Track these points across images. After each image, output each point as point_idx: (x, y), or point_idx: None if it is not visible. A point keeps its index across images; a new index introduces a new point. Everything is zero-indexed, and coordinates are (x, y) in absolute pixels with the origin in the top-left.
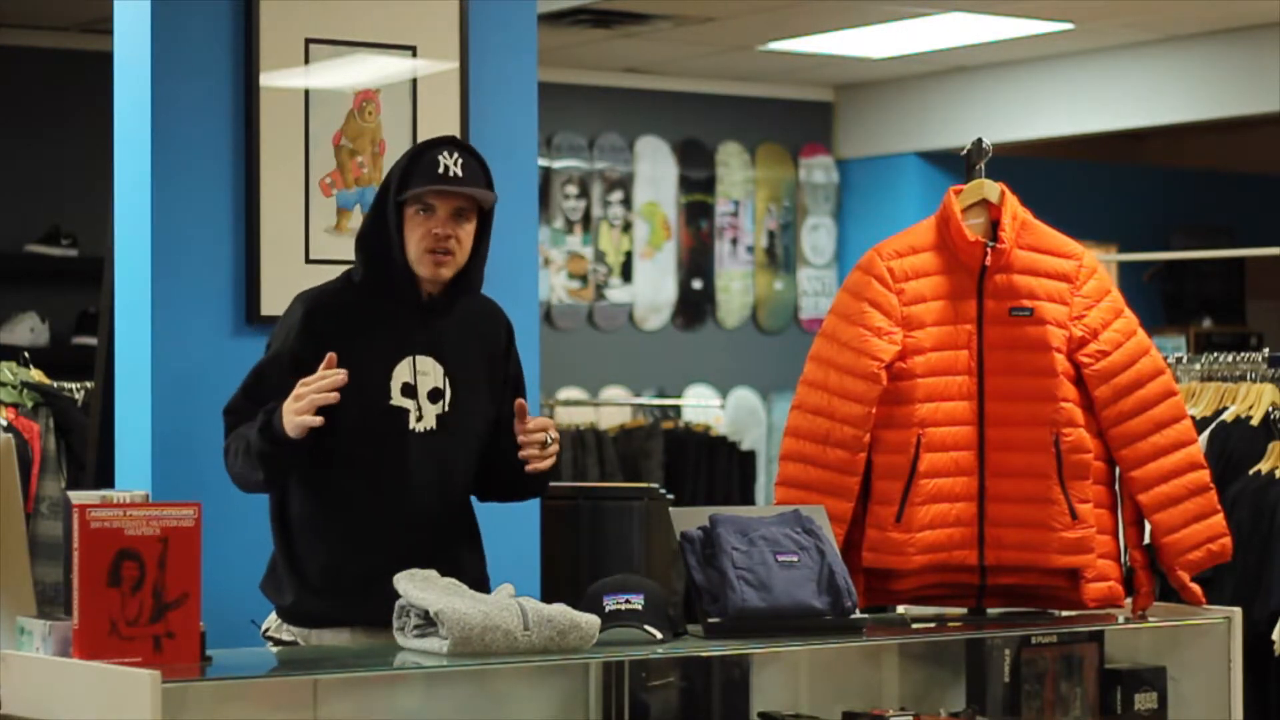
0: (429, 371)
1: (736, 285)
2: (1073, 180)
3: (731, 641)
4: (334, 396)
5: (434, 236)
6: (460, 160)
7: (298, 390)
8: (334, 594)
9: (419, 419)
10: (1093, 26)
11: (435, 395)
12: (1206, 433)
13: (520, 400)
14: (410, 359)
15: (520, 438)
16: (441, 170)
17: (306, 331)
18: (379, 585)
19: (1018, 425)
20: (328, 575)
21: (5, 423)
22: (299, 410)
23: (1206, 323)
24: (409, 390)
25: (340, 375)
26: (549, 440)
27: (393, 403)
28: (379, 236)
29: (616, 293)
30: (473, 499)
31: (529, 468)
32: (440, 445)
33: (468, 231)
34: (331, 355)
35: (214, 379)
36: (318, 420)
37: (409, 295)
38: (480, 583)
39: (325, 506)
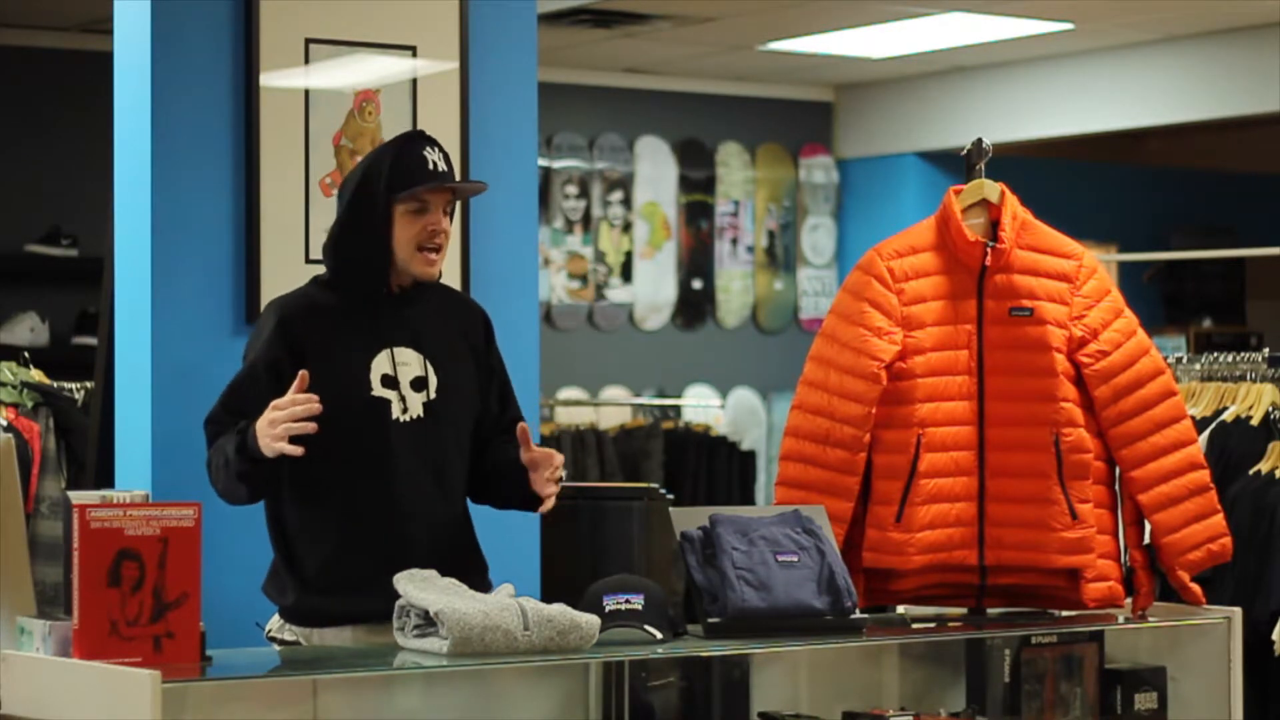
0: (409, 361)
1: (736, 285)
2: (1073, 180)
3: (731, 641)
4: (310, 427)
5: (429, 232)
6: (441, 155)
7: (271, 415)
8: (333, 591)
9: (403, 409)
10: (1093, 26)
11: (419, 384)
12: (1206, 433)
13: (522, 425)
14: (388, 350)
15: (532, 472)
16: (431, 167)
17: (282, 337)
18: (378, 579)
19: (1018, 425)
20: (326, 572)
21: (5, 423)
22: (275, 437)
23: (1206, 323)
24: (389, 381)
25: (313, 405)
26: (561, 476)
27: (374, 394)
28: (357, 236)
29: (616, 293)
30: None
31: (543, 508)
32: (428, 433)
33: (449, 225)
34: (303, 374)
35: (214, 379)
36: (295, 450)
37: (379, 289)
38: (482, 574)
39: (318, 504)
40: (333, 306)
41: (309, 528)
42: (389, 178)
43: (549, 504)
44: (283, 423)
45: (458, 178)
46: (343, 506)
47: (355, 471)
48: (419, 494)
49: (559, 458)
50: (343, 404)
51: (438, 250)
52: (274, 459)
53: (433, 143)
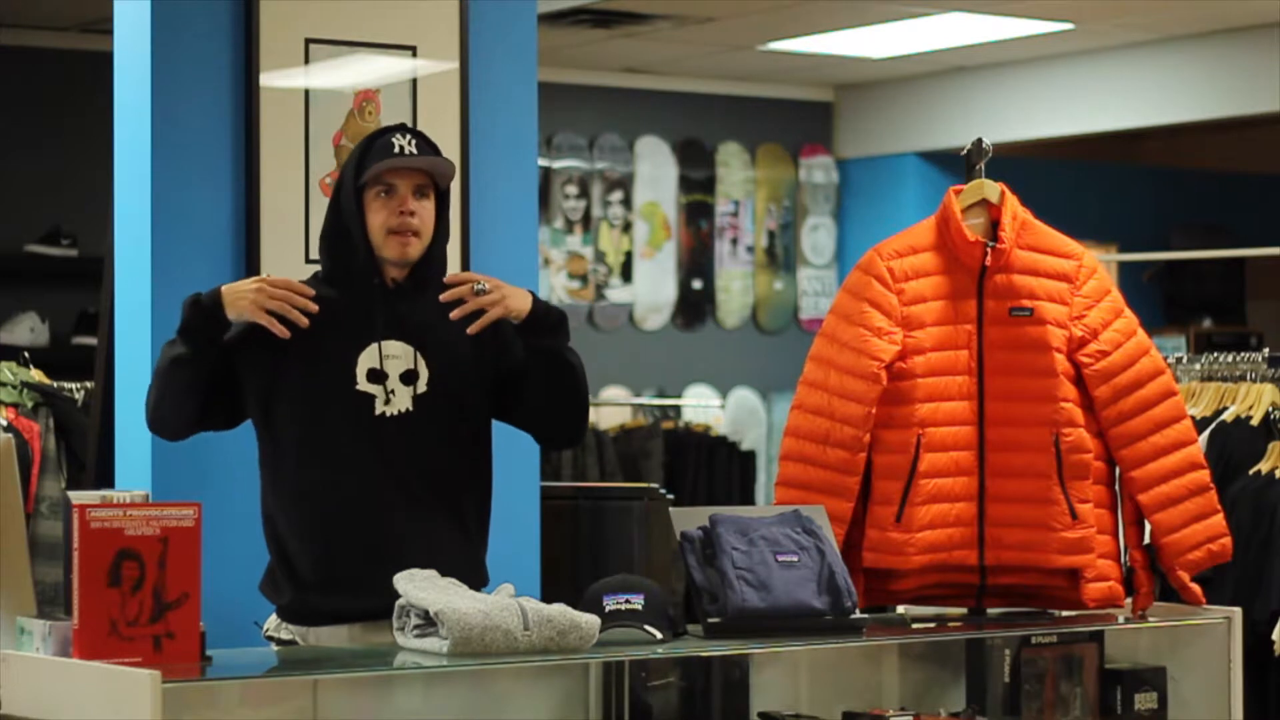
0: (399, 355)
1: (736, 285)
2: (1073, 180)
3: (731, 641)
4: (302, 320)
5: (399, 215)
6: (414, 141)
7: (265, 282)
8: (328, 589)
9: (387, 403)
10: (1093, 26)
11: (409, 377)
12: (1206, 433)
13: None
14: (375, 345)
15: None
16: (397, 150)
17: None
18: (371, 576)
19: (1018, 425)
20: (319, 569)
21: (5, 423)
22: (257, 303)
23: (1206, 323)
24: (375, 375)
25: (311, 306)
26: (478, 289)
27: (358, 388)
28: (339, 230)
29: (616, 293)
30: (481, 481)
31: (454, 313)
32: (416, 427)
33: (428, 209)
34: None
35: None
36: (282, 330)
37: (373, 284)
38: (475, 568)
39: (307, 502)
40: (327, 300)
41: (299, 523)
42: (357, 166)
43: (477, 323)
44: (277, 299)
45: (445, 167)
46: (331, 503)
47: (341, 467)
48: (404, 488)
49: (472, 276)
50: (327, 397)
51: (410, 233)
52: (221, 324)
53: (411, 132)
